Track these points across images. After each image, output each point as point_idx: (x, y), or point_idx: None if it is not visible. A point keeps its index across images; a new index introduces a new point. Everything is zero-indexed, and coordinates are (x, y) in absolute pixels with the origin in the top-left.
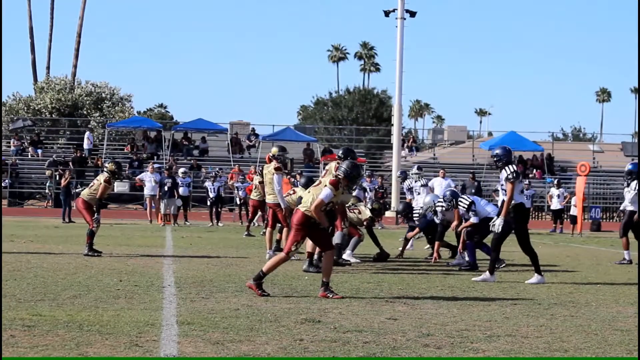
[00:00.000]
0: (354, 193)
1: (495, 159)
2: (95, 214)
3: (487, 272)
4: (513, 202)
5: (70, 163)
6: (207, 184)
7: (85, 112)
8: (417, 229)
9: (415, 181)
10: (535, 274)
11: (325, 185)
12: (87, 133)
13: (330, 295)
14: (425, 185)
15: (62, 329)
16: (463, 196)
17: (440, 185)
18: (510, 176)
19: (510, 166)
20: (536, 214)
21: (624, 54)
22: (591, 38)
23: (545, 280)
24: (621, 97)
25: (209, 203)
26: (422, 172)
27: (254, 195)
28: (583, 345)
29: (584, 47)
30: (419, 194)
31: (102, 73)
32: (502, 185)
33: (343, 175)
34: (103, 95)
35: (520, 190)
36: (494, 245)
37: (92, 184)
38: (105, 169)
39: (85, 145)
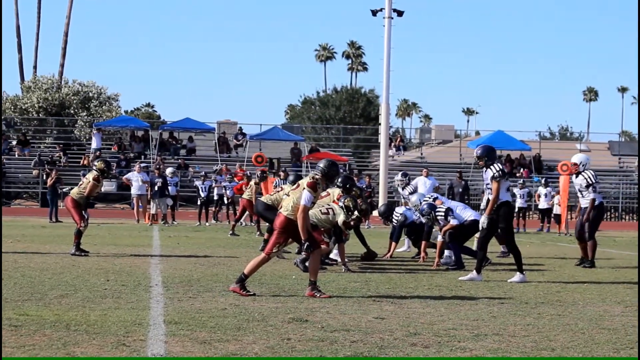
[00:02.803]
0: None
1: (479, 159)
2: (86, 214)
3: (474, 272)
4: (499, 200)
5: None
6: (198, 183)
7: (72, 112)
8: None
9: (402, 188)
10: (518, 273)
11: (304, 188)
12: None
13: (318, 295)
14: (413, 192)
15: (49, 328)
16: (439, 206)
17: (424, 184)
18: (496, 174)
19: (495, 165)
20: (523, 213)
21: (611, 53)
22: (578, 37)
23: (527, 279)
24: (608, 97)
25: (199, 202)
26: (408, 180)
27: (245, 195)
28: (570, 344)
29: (571, 46)
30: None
31: (89, 72)
32: (487, 184)
33: (321, 175)
34: (90, 94)
35: (506, 188)
36: (480, 244)
37: (81, 182)
38: (94, 167)
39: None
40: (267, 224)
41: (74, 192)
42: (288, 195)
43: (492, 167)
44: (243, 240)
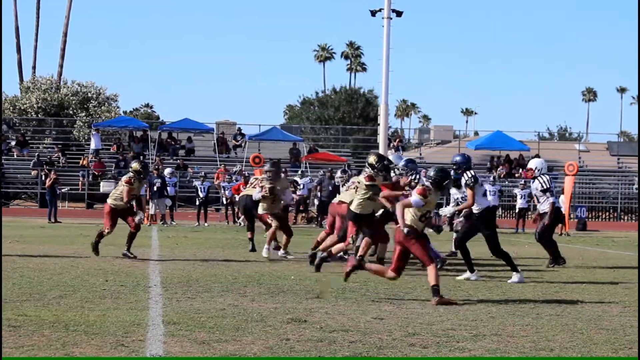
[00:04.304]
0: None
1: (454, 166)
2: (137, 215)
3: (468, 271)
4: (480, 206)
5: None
6: (197, 183)
7: (71, 112)
8: None
9: (342, 185)
10: (514, 273)
11: (416, 193)
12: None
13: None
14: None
15: (47, 329)
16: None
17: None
18: (469, 181)
19: (468, 172)
20: (523, 213)
21: (610, 53)
22: (577, 37)
23: (524, 279)
24: (607, 97)
25: (197, 203)
26: (347, 176)
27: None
28: (569, 344)
29: (570, 46)
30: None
31: (88, 73)
32: (463, 192)
33: (432, 183)
34: (89, 95)
35: (482, 194)
36: (458, 245)
37: (116, 188)
38: (130, 169)
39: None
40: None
41: (110, 198)
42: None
43: (465, 174)
44: (242, 241)
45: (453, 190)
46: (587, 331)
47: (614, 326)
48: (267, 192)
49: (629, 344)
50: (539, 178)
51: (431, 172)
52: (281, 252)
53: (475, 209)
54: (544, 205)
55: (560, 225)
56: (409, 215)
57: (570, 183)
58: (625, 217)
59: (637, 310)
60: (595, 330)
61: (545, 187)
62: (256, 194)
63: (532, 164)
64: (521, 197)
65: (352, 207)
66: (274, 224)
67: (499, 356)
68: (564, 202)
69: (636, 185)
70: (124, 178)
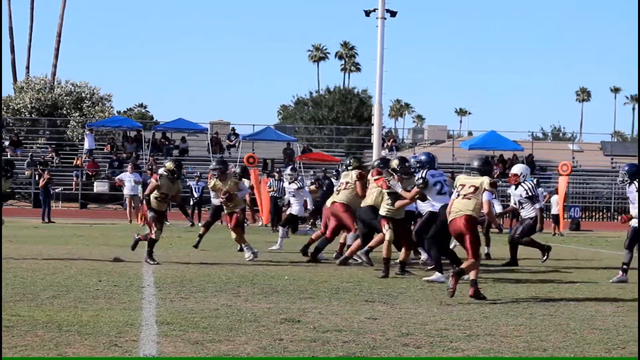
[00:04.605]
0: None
1: (418, 164)
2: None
3: (437, 272)
4: (432, 208)
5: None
6: (191, 183)
7: (65, 112)
8: None
9: (290, 183)
10: (436, 272)
11: (485, 190)
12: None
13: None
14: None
15: (41, 329)
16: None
17: None
18: (417, 182)
19: (422, 171)
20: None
21: (605, 53)
22: (572, 38)
23: (444, 279)
24: (601, 97)
25: (192, 203)
26: (297, 174)
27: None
28: (562, 344)
29: (564, 46)
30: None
31: (82, 73)
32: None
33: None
34: (83, 95)
35: (437, 192)
36: (428, 245)
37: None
38: (163, 168)
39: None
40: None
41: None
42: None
43: (418, 173)
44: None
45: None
46: (580, 331)
47: (607, 326)
48: (223, 198)
49: (622, 344)
50: (523, 184)
51: (475, 163)
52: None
53: (428, 208)
54: (529, 212)
55: (553, 225)
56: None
57: (564, 183)
58: (619, 217)
59: (637, 311)
60: (589, 330)
61: (531, 193)
62: (214, 199)
63: (517, 169)
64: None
65: (382, 212)
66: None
67: (493, 356)
68: (557, 202)
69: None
70: (155, 175)
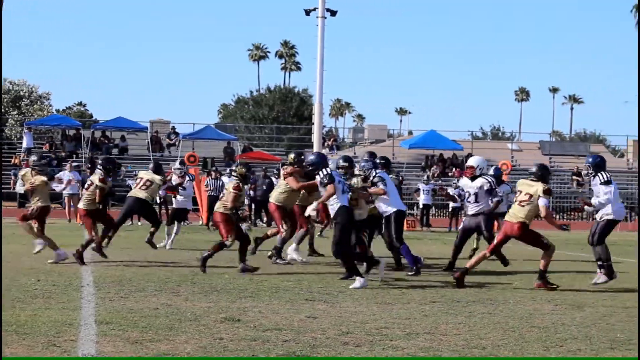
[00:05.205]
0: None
1: (311, 166)
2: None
3: (357, 278)
4: (339, 203)
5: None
6: (130, 182)
7: (3, 110)
8: None
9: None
10: (357, 277)
11: (540, 196)
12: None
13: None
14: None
15: None
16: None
17: None
18: (324, 179)
19: (324, 170)
20: (457, 212)
21: (543, 53)
22: (510, 37)
23: (367, 284)
24: (539, 97)
25: None
26: (182, 172)
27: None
28: (501, 342)
29: (503, 46)
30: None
31: (20, 71)
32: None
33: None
34: (21, 93)
35: (342, 191)
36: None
37: (222, 194)
38: (233, 173)
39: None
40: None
41: (219, 205)
42: None
43: (319, 172)
44: (176, 239)
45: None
46: (519, 329)
47: (545, 324)
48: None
49: (560, 342)
50: (485, 177)
51: (534, 168)
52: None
53: (332, 206)
54: (479, 206)
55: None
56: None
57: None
58: (557, 216)
59: (637, 310)
60: (527, 329)
61: (492, 187)
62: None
63: (474, 162)
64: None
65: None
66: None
67: (432, 354)
68: None
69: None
70: (232, 184)
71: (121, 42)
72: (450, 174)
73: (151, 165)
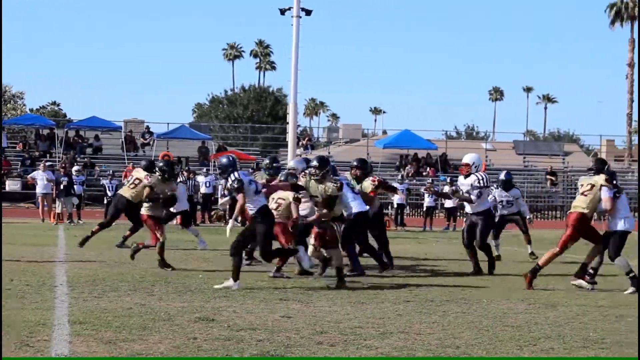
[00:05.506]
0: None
1: (220, 169)
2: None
3: (231, 279)
4: (254, 206)
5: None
6: (105, 182)
7: None
8: None
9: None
10: (231, 279)
11: (602, 185)
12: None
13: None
14: None
15: None
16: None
17: None
18: (235, 184)
19: (233, 174)
20: (430, 211)
21: (516, 53)
22: (484, 37)
23: (240, 285)
24: (513, 96)
25: (105, 201)
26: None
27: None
28: (474, 341)
29: (477, 46)
30: None
31: None
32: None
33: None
34: None
35: (254, 192)
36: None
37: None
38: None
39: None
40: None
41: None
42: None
43: (229, 177)
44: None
45: (498, 192)
46: (492, 328)
47: (518, 323)
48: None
49: (533, 341)
50: (476, 174)
51: (591, 164)
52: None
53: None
54: (476, 206)
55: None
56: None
57: None
58: (531, 215)
59: (637, 311)
60: (501, 328)
61: (483, 184)
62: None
63: (469, 159)
64: (429, 195)
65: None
66: None
67: (406, 354)
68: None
69: (542, 184)
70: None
71: (95, 42)
72: (424, 173)
73: (143, 163)
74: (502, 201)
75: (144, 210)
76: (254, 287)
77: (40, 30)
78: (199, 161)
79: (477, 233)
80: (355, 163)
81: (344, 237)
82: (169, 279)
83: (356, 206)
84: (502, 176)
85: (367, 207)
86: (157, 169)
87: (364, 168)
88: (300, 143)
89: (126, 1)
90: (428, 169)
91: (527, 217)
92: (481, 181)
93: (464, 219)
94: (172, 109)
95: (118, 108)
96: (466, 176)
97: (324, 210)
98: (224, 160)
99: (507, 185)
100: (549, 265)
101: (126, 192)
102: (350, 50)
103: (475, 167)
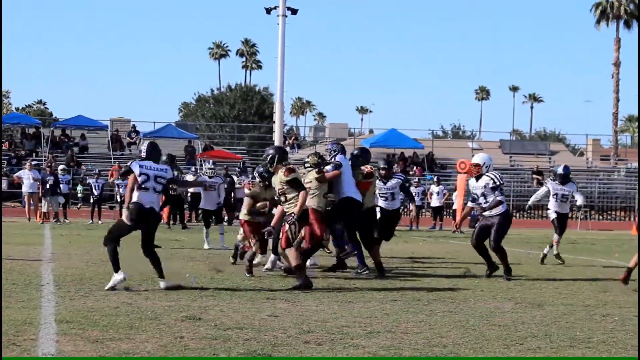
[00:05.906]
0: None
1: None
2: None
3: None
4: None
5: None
6: (91, 181)
7: None
8: None
9: None
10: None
11: None
12: None
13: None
14: None
15: None
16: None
17: None
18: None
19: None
20: (417, 211)
21: (503, 52)
22: (471, 36)
23: (170, 284)
24: (499, 96)
25: (92, 200)
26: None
27: None
28: (461, 340)
29: (463, 45)
30: None
31: None
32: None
33: None
34: None
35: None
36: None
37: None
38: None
39: None
40: None
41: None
42: None
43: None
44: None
45: (553, 185)
46: (479, 327)
47: (505, 322)
48: None
49: (520, 340)
50: (489, 174)
51: None
52: None
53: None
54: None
55: (454, 222)
56: None
57: (463, 181)
58: (517, 215)
59: (637, 311)
60: (488, 327)
61: (498, 183)
62: None
63: (479, 159)
64: (415, 194)
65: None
66: None
67: (393, 353)
68: (457, 199)
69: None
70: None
71: (81, 40)
72: (411, 172)
73: (164, 158)
74: (556, 194)
75: (242, 216)
76: (241, 286)
77: (26, 29)
78: (185, 160)
79: (491, 234)
80: (382, 164)
81: (330, 222)
82: (156, 278)
83: (350, 192)
84: (560, 170)
85: (361, 198)
86: (256, 174)
87: (390, 169)
88: (287, 142)
89: (113, 0)
90: (415, 168)
91: (579, 204)
92: (496, 181)
93: (474, 221)
94: (158, 108)
95: (104, 107)
96: (477, 177)
97: (300, 198)
98: (164, 157)
99: (564, 179)
100: (535, 265)
101: None
102: (337, 49)
103: (486, 167)
